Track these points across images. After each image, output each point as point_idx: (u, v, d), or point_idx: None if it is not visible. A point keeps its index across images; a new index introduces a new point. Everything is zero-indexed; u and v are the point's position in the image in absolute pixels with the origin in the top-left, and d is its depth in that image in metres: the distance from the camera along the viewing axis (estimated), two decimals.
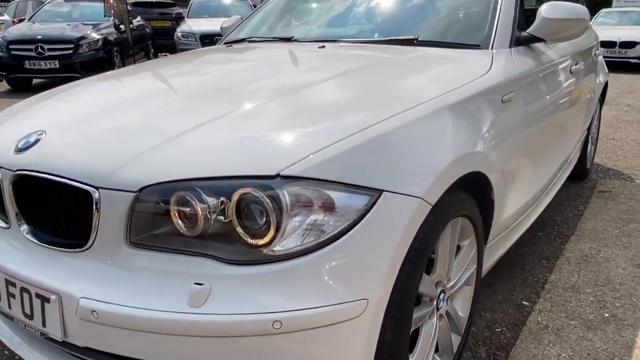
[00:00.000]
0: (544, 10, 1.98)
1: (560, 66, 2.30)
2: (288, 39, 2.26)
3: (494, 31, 1.93)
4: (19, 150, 1.30)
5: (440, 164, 1.26)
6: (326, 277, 1.08)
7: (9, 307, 1.27)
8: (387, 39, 2.03)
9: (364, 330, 1.12)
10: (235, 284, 1.07)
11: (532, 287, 2.18)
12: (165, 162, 1.15)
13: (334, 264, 1.08)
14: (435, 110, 1.38)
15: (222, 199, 1.08)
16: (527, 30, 2.01)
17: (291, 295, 1.06)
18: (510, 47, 1.92)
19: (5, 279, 1.26)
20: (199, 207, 1.07)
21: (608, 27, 10.88)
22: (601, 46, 7.70)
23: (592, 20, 10.48)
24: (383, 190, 1.12)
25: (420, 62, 1.83)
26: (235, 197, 1.07)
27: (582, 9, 2.00)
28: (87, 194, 1.15)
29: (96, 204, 1.14)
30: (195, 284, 1.07)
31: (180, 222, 1.11)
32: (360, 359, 1.13)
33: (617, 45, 10.18)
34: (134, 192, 1.11)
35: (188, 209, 1.10)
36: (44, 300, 1.18)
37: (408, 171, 1.20)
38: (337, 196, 1.10)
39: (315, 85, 1.57)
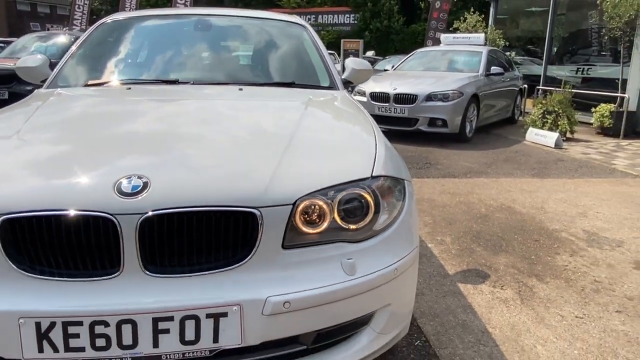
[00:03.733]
0: (351, 62, 2.95)
1: None
2: (173, 82, 2.46)
3: (336, 79, 2.76)
4: (130, 195, 1.32)
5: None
6: (404, 237, 1.68)
7: (154, 344, 1.30)
8: (274, 82, 2.58)
9: (417, 264, 1.77)
10: (366, 254, 1.55)
11: None
12: (298, 178, 1.49)
13: (405, 227, 1.68)
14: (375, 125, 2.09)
15: (338, 198, 1.53)
16: (343, 76, 2.93)
17: (394, 251, 1.62)
18: (344, 89, 2.79)
19: (153, 319, 1.29)
20: (330, 208, 1.49)
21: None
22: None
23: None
24: (403, 179, 1.79)
25: (331, 96, 2.51)
26: (340, 196, 1.54)
27: (368, 63, 3.06)
28: (249, 216, 1.37)
29: (259, 221, 1.38)
30: (347, 259, 1.49)
31: (309, 224, 1.49)
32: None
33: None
34: (290, 204, 1.42)
35: (320, 211, 1.50)
36: (218, 316, 1.32)
37: (400, 166, 1.88)
38: (392, 184, 1.70)
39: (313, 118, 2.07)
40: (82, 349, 1.30)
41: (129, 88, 2.32)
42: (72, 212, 1.30)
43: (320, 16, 24.81)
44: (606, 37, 9.09)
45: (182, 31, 2.93)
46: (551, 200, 4.43)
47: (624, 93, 8.66)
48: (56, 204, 1.31)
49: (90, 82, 2.48)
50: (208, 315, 1.32)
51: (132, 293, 1.32)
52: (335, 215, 1.51)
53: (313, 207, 1.49)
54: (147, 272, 1.34)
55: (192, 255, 1.37)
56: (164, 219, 1.33)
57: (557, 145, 7.33)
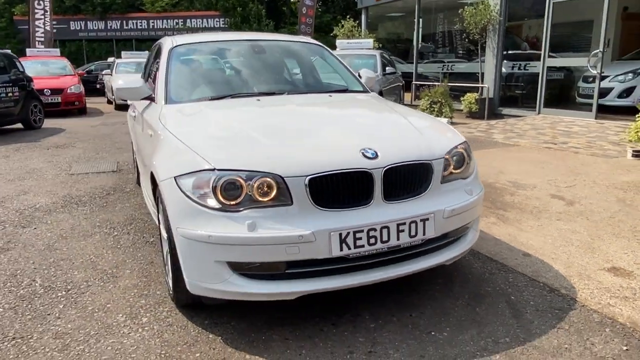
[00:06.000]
0: (365, 73, 4.08)
1: None
2: (272, 93, 3.35)
3: (365, 84, 3.88)
4: (371, 158, 2.32)
5: None
6: (478, 177, 2.87)
7: (397, 239, 2.33)
8: (337, 90, 3.59)
9: None
10: (471, 185, 2.71)
11: None
12: (440, 144, 2.60)
13: (476, 172, 2.88)
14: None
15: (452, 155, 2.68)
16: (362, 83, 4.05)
17: (479, 184, 2.81)
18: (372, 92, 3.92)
19: (397, 224, 2.32)
20: (452, 160, 2.64)
21: None
22: None
23: None
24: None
25: (377, 98, 3.59)
26: (453, 153, 2.69)
27: (374, 73, 4.22)
28: (427, 166, 2.46)
29: (433, 168, 2.47)
30: (467, 187, 2.65)
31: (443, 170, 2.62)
32: None
33: None
34: (443, 157, 2.54)
35: (448, 162, 2.63)
36: (424, 221, 2.39)
37: None
38: (469, 146, 2.88)
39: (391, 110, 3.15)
40: (362, 246, 2.28)
41: (259, 99, 3.18)
42: (349, 170, 2.27)
43: (189, 20, 24.95)
44: (467, 40, 11.33)
45: (248, 53, 3.78)
46: None
47: (484, 84, 10.97)
48: (340, 165, 2.27)
49: (213, 97, 3.25)
50: (421, 220, 2.39)
51: (382, 212, 2.33)
52: (453, 164, 2.66)
53: (445, 160, 2.63)
54: (385, 201, 2.36)
55: (404, 190, 2.42)
56: (391, 170, 2.36)
57: None
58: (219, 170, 2.25)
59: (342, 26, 15.04)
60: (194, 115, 2.98)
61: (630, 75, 9.68)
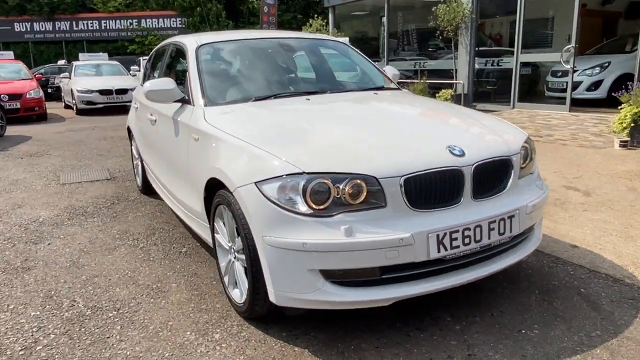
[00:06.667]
0: (389, 70, 4.02)
1: None
2: (313, 92, 3.22)
3: (395, 82, 3.82)
4: (459, 155, 2.26)
5: None
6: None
7: (489, 237, 2.28)
8: (374, 87, 3.51)
9: None
10: (538, 180, 2.70)
11: None
12: (512, 140, 2.57)
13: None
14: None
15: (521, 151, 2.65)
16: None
17: (541, 187, 2.79)
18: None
19: (488, 223, 2.27)
20: (515, 162, 2.61)
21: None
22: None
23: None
24: None
25: (414, 95, 3.53)
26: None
27: (397, 70, 4.17)
28: (508, 161, 2.42)
29: (512, 163, 2.44)
30: (537, 182, 2.64)
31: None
32: None
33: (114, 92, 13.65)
34: (518, 153, 2.51)
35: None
36: (511, 217, 2.36)
37: None
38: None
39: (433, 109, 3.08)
40: (458, 246, 2.21)
41: (308, 99, 3.04)
42: (442, 168, 2.20)
43: (143, 20, 24.14)
44: (439, 37, 11.50)
45: (278, 51, 3.63)
46: None
47: (458, 80, 11.17)
48: (432, 164, 2.19)
49: (257, 97, 3.08)
50: (508, 217, 2.34)
51: (472, 211, 2.27)
52: (522, 160, 2.63)
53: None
54: (474, 199, 2.30)
55: (489, 187, 2.37)
56: (479, 167, 2.30)
57: None
58: (308, 173, 2.12)
59: (311, 25, 14.95)
60: (247, 116, 2.82)
61: (597, 69, 10.11)
